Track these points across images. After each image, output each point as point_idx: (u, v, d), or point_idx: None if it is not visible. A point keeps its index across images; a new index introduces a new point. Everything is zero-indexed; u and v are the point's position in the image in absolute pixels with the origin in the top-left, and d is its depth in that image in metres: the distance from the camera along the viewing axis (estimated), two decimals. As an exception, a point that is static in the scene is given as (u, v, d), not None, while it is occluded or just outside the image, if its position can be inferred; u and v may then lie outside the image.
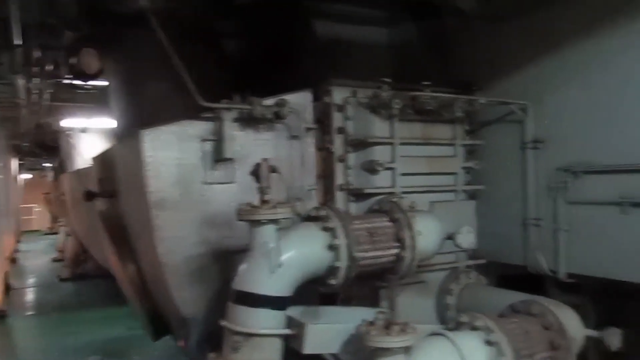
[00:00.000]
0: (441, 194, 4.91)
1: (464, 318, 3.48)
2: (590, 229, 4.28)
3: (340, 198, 4.60)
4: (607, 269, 4.20)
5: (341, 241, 3.40)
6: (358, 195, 4.57)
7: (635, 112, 3.92)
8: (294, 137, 4.44)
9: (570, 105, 4.40)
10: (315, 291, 3.84)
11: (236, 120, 4.18)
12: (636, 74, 3.91)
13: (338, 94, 4.63)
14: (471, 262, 5.01)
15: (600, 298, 5.05)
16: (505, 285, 5.21)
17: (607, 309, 5.29)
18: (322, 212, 3.56)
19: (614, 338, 3.70)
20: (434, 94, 4.55)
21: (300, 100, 4.46)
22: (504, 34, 4.93)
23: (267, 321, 3.29)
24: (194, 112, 4.18)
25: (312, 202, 4.42)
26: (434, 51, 5.69)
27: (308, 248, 3.43)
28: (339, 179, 4.61)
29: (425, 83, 4.57)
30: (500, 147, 4.99)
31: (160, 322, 4.96)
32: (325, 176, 4.66)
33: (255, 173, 3.41)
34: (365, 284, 4.49)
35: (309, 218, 3.64)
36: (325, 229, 3.47)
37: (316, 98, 4.70)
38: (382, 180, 4.55)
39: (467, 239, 3.95)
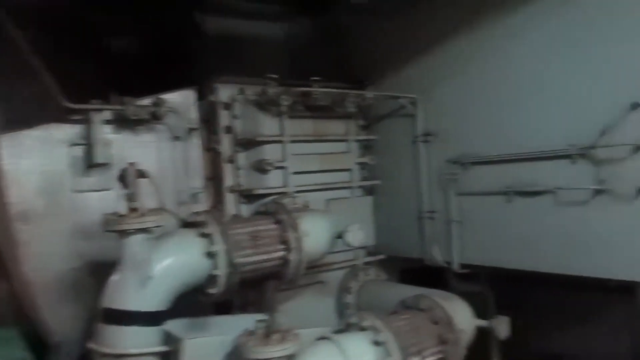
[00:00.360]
0: (337, 191, 4.82)
1: (353, 319, 3.38)
2: (480, 219, 4.33)
3: (230, 200, 4.39)
4: (496, 258, 4.26)
5: (219, 247, 3.20)
6: (249, 196, 4.38)
7: (517, 103, 3.98)
8: (177, 138, 4.17)
9: (457, 98, 4.43)
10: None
11: (110, 122, 3.87)
12: (517, 67, 3.96)
13: (224, 92, 4.43)
14: (370, 259, 4.97)
15: (500, 285, 5.17)
16: (409, 279, 5.23)
17: (506, 295, 5.44)
18: (200, 218, 3.34)
19: (502, 326, 3.73)
20: (323, 90, 4.43)
21: (182, 99, 4.21)
22: (394, 28, 4.91)
23: (139, 339, 3.03)
24: (66, 115, 3.83)
25: (199, 206, 4.18)
26: (329, 47, 5.60)
27: (184, 257, 3.20)
28: (229, 181, 4.40)
29: (315, 78, 4.45)
30: (395, 141, 4.97)
31: (41, 344, 4.54)
32: (214, 178, 4.43)
33: (122, 179, 3.14)
34: (262, 289, 4.33)
35: (187, 224, 3.41)
36: (203, 235, 3.25)
37: (202, 96, 4.46)
38: (273, 180, 4.39)
39: (356, 236, 3.87)
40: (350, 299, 4.65)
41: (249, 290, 4.38)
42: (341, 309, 4.72)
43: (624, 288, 3.71)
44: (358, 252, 4.84)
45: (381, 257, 5.02)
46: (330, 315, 4.70)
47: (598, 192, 3.52)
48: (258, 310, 4.17)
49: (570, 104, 3.65)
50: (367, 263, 4.94)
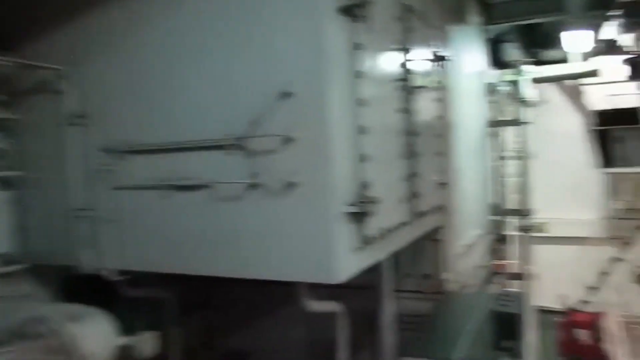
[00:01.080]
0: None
1: None
2: (138, 217, 3.71)
3: None
4: (156, 262, 3.70)
5: None
6: None
7: (173, 86, 3.48)
8: None
9: (112, 74, 3.72)
10: None
11: None
12: (171, 46, 3.45)
13: None
14: (6, 270, 3.94)
15: (186, 287, 4.69)
16: (70, 291, 4.35)
17: (190, 298, 5.00)
18: None
19: (145, 344, 3.19)
20: None
21: None
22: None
23: None
24: None
25: None
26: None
27: None
28: None
29: None
30: (42, 123, 4.02)
31: None
32: None
33: None
34: None
35: None
36: None
37: None
38: None
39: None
40: (-35, 325, 3.56)
41: None
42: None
43: (290, 284, 3.53)
44: (-13, 262, 3.78)
45: (22, 266, 4.03)
46: None
47: (252, 186, 3.22)
48: None
49: (225, 90, 3.28)
50: (3, 275, 3.91)
